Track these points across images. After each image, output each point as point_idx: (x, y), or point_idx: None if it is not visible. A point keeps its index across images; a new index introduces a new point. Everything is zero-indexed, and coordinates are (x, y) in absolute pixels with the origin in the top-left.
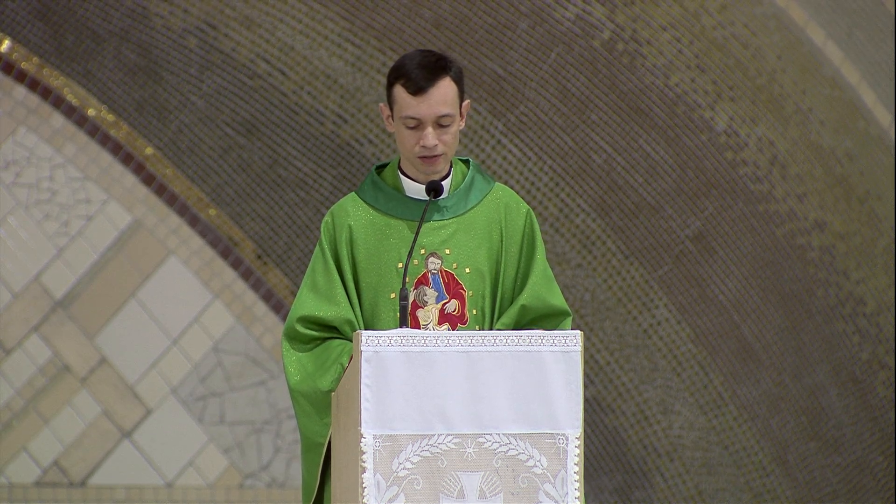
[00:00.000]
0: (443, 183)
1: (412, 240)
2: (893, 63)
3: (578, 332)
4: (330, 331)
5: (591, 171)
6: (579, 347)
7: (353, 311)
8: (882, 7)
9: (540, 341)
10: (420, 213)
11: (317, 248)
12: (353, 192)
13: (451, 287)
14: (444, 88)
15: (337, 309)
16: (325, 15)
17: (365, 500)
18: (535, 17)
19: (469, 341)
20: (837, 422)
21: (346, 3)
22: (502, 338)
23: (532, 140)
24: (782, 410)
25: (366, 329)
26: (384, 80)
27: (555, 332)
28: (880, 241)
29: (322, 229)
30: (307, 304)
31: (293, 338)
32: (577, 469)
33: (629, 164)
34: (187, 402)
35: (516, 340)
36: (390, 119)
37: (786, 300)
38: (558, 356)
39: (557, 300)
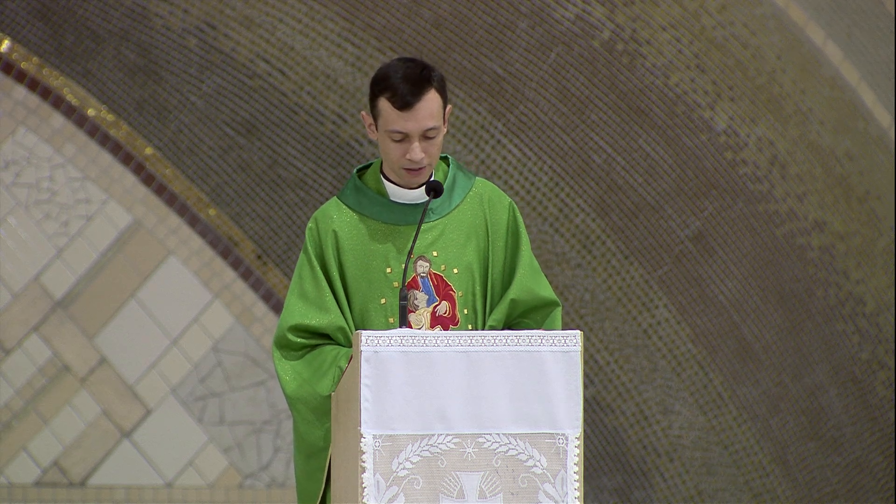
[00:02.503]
0: (421, 188)
1: (400, 244)
2: (893, 63)
3: (578, 332)
4: (321, 338)
5: (591, 172)
6: (579, 347)
7: (345, 318)
8: (882, 7)
9: (540, 341)
10: (405, 216)
11: (302, 254)
12: (335, 197)
13: (441, 289)
14: (430, 102)
15: (329, 317)
16: (324, 15)
17: (364, 500)
18: (535, 17)
19: (469, 341)
20: (837, 422)
21: (346, 3)
22: (502, 338)
23: (532, 140)
24: (782, 410)
25: None
26: None
27: (554, 331)
28: (880, 241)
29: (307, 235)
30: (297, 312)
31: (284, 346)
32: (576, 469)
33: (629, 164)
34: (187, 402)
35: (516, 340)
36: (373, 127)
37: (785, 300)
38: (558, 356)
39: (546, 291)
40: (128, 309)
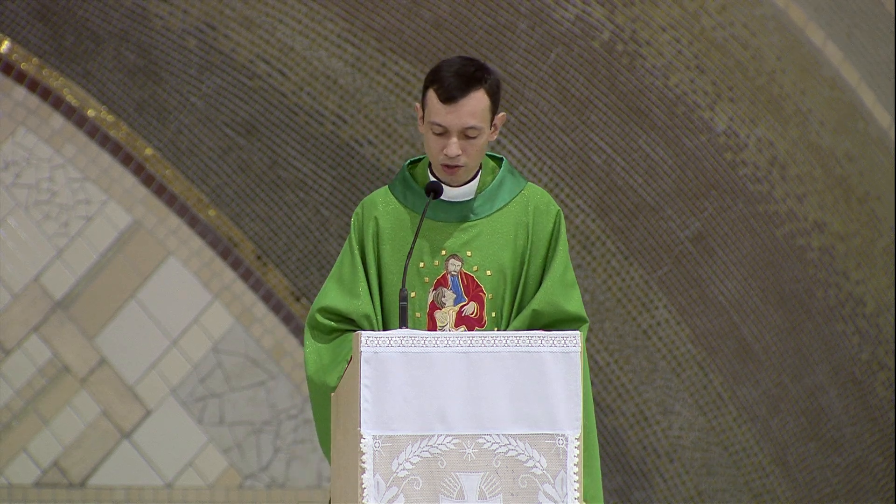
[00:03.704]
0: (464, 186)
1: (439, 239)
2: (893, 64)
3: (578, 332)
4: (350, 323)
5: (591, 172)
6: (579, 348)
7: (373, 306)
8: (882, 7)
9: (539, 342)
10: (448, 213)
11: (347, 239)
12: (386, 186)
13: (471, 289)
14: (476, 100)
15: (357, 303)
16: (324, 15)
17: (364, 501)
18: (535, 18)
19: (469, 342)
20: (837, 422)
21: (345, 4)
22: (502, 338)
23: (532, 141)
24: (782, 411)
25: (385, 325)
26: (384, 81)
27: (554, 332)
28: (880, 242)
29: (352, 221)
30: (330, 294)
31: (314, 327)
32: (576, 470)
33: (629, 165)
34: (187, 402)
35: (516, 341)
36: (422, 120)
37: (785, 301)
38: (558, 357)
39: (572, 306)
40: (128, 309)
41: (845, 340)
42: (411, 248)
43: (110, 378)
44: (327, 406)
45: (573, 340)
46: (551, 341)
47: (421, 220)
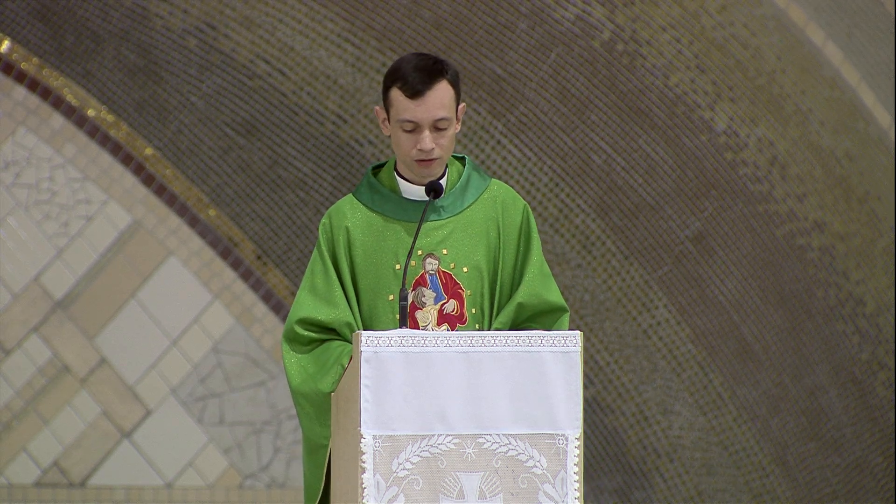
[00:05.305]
0: (441, 182)
1: (411, 241)
2: (893, 64)
3: (578, 332)
4: (329, 333)
5: (591, 172)
6: (579, 348)
7: (353, 314)
8: (882, 7)
9: (540, 342)
10: (417, 213)
11: (315, 249)
12: (350, 194)
13: (450, 287)
14: (441, 92)
15: (336, 311)
16: (324, 15)
17: (364, 501)
18: (535, 18)
19: (468, 342)
20: (837, 422)
21: (346, 4)
22: (502, 338)
23: (532, 140)
24: (782, 411)
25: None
26: None
27: (554, 332)
28: (880, 242)
29: (320, 231)
30: (306, 306)
31: (292, 339)
32: (576, 469)
33: (629, 165)
34: (187, 402)
35: (516, 341)
36: (386, 122)
37: (785, 300)
38: (558, 356)
39: (554, 296)
40: (128, 309)
41: (845, 340)
42: (411, 249)
43: (110, 378)
44: (316, 415)
45: (573, 340)
46: (551, 341)
47: (421, 221)
